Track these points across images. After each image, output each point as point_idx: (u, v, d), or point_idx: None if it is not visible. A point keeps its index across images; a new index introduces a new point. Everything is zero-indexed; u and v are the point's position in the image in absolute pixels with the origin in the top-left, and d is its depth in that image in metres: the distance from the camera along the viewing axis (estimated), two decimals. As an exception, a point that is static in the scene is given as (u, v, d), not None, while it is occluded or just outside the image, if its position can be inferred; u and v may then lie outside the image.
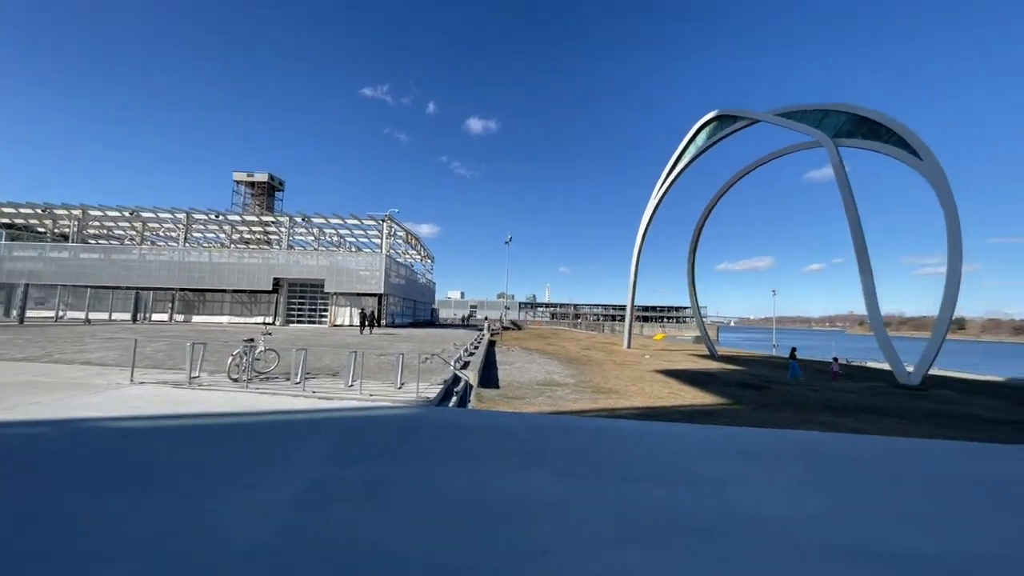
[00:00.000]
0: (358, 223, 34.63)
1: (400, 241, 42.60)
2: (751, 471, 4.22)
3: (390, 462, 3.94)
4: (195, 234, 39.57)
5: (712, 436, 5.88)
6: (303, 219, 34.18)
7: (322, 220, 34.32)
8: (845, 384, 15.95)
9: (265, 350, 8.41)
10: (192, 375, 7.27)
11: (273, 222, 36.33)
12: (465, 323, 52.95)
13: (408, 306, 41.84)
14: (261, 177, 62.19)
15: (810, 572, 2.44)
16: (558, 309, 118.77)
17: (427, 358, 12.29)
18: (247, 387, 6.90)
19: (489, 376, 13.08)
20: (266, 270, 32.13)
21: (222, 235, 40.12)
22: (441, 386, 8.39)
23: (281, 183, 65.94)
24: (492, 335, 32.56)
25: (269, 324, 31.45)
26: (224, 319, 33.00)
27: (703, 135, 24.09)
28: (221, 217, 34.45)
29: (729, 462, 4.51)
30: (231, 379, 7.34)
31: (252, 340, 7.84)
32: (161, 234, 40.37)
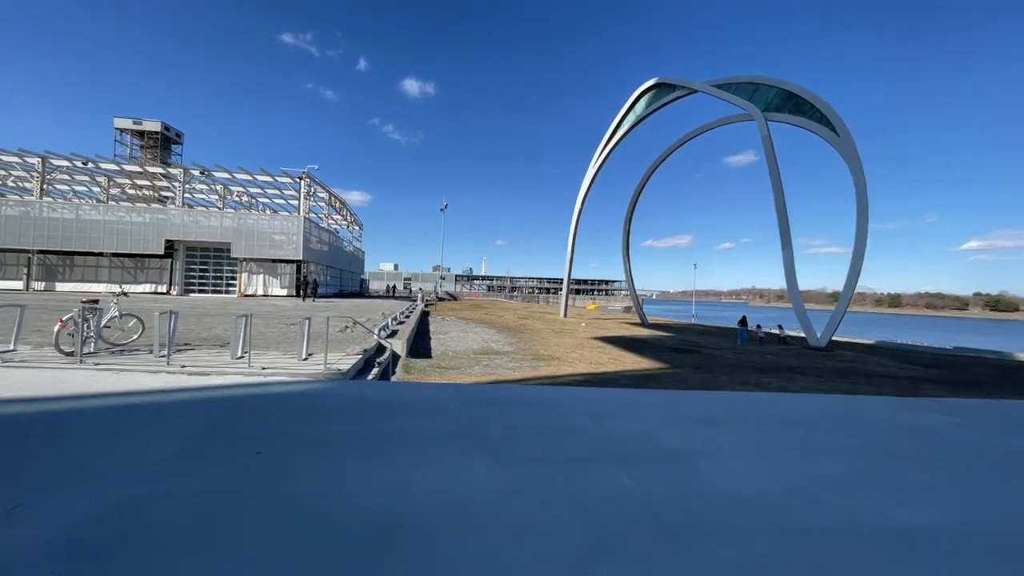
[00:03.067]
0: (270, 180, 30.55)
1: (322, 204, 38.70)
2: (715, 439, 3.67)
3: (259, 461, 2.74)
4: (60, 187, 32.67)
5: (667, 402, 5.36)
6: (201, 172, 29.36)
7: (226, 175, 29.77)
8: (766, 348, 17.03)
9: (121, 316, 6.49)
10: (1, 349, 5.29)
11: (163, 175, 30.85)
12: (392, 294, 49.92)
13: (333, 275, 38.57)
14: (152, 126, 51.98)
15: (813, 566, 1.85)
16: (495, 282, 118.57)
17: (347, 326, 10.80)
18: (82, 362, 5.12)
19: (421, 346, 11.92)
20: (156, 230, 27.42)
21: (97, 189, 33.53)
22: (360, 356, 7.11)
23: (179, 135, 55.83)
24: (426, 306, 31.06)
25: (125, 290, 27.17)
26: (101, 287, 27.86)
27: (642, 103, 23.90)
28: (91, 165, 28.49)
29: (691, 430, 3.94)
30: (62, 352, 5.46)
31: (96, 302, 5.91)
32: (10, 184, 32.79)
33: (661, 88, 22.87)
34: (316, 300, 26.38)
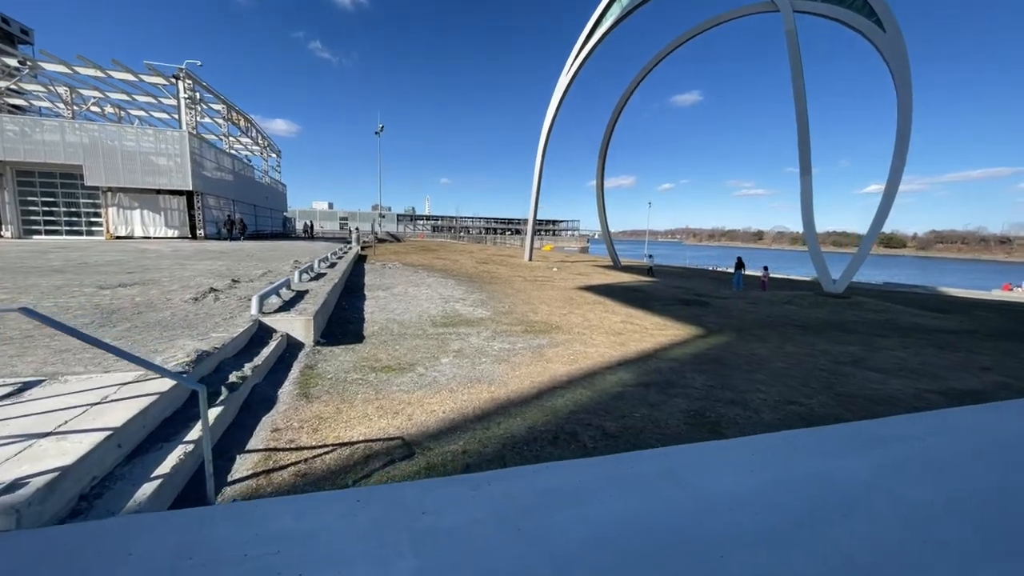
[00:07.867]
0: (133, 80, 22.55)
1: (220, 120, 30.58)
2: None
3: None
4: None
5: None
6: (21, 62, 20.83)
7: (63, 68, 21.40)
8: (777, 295, 14.66)
9: None
10: None
11: (-38, 65, 21.58)
12: (310, 234, 42.58)
13: (244, 211, 31.62)
14: (-21, 16, 36.52)
15: None
16: (440, 222, 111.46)
17: (212, 289, 6.36)
18: None
19: (349, 315, 7.76)
20: (-42, 146, 19.38)
21: None
22: (172, 381, 2.99)
23: (26, 32, 39.67)
24: (363, 248, 26.00)
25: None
26: None
27: (630, -9, 19.03)
28: None
29: None
30: None
31: None
32: None
33: (655, -30, 18.09)
34: (243, 241, 22.61)
